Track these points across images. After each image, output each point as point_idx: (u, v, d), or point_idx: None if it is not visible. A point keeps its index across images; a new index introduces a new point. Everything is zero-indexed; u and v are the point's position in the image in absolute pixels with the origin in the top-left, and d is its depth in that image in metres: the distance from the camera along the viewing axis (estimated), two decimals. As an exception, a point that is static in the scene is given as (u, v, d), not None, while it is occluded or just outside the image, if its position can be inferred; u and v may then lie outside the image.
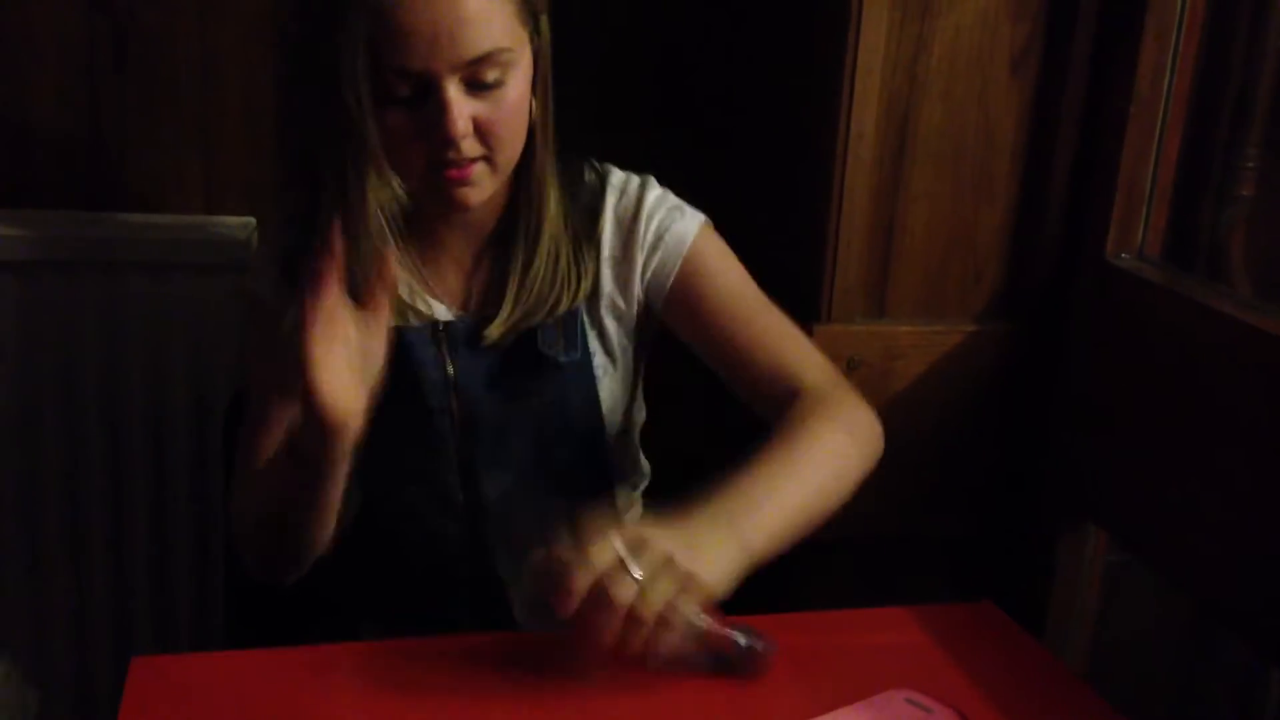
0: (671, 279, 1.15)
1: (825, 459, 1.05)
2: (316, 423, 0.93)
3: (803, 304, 1.47)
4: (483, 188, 1.06)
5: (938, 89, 1.41)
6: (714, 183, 1.29)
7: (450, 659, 0.99)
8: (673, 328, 1.18)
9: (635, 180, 1.18)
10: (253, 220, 1.58)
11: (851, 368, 1.45)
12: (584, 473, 1.19)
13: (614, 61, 1.58)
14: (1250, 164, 1.48)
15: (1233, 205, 1.48)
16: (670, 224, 1.15)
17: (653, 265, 1.15)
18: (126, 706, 0.90)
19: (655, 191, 1.17)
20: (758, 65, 1.66)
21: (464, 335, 1.13)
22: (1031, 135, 1.45)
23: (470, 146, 1.03)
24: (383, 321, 0.96)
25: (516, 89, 1.04)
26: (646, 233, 1.15)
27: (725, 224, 1.23)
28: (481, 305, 1.15)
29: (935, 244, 1.46)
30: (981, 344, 1.49)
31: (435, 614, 1.16)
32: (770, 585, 1.56)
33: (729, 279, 1.16)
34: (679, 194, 1.21)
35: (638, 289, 1.16)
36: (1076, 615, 1.53)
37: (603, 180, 1.18)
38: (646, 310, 1.18)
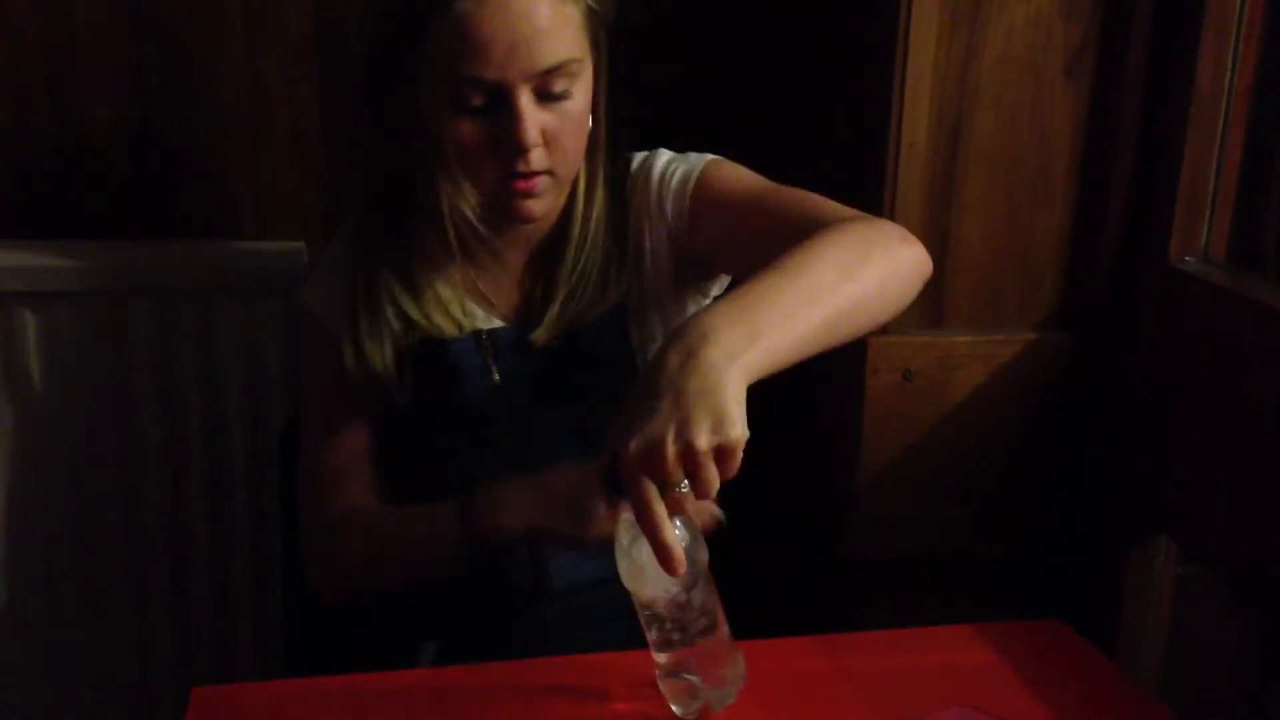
0: (687, 211, 1.15)
1: (828, 262, 0.94)
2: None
3: (857, 316, 1.45)
4: (545, 200, 1.09)
5: (990, 94, 1.39)
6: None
7: (510, 687, 0.98)
8: (706, 254, 1.16)
9: (648, 157, 1.19)
10: (302, 244, 1.58)
11: (907, 379, 1.43)
12: None
13: (661, 72, 1.57)
14: (1318, 161, 1.44)
15: (1300, 204, 1.44)
16: (675, 175, 1.16)
17: (670, 218, 1.16)
18: (187, 738, 0.90)
19: (661, 158, 1.19)
20: (806, 75, 1.64)
21: (508, 342, 1.14)
22: (1088, 139, 1.42)
23: (538, 157, 1.05)
24: None
25: (580, 100, 1.06)
26: (656, 199, 1.16)
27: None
28: (525, 311, 1.16)
29: (991, 252, 1.44)
30: (1041, 353, 1.46)
31: (496, 630, 1.15)
32: (829, 605, 1.54)
33: (745, 178, 1.15)
34: None
35: (666, 260, 1.17)
36: (1148, 631, 1.49)
37: (627, 169, 1.20)
38: (680, 266, 1.17)
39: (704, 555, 0.88)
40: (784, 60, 1.67)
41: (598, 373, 1.15)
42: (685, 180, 1.16)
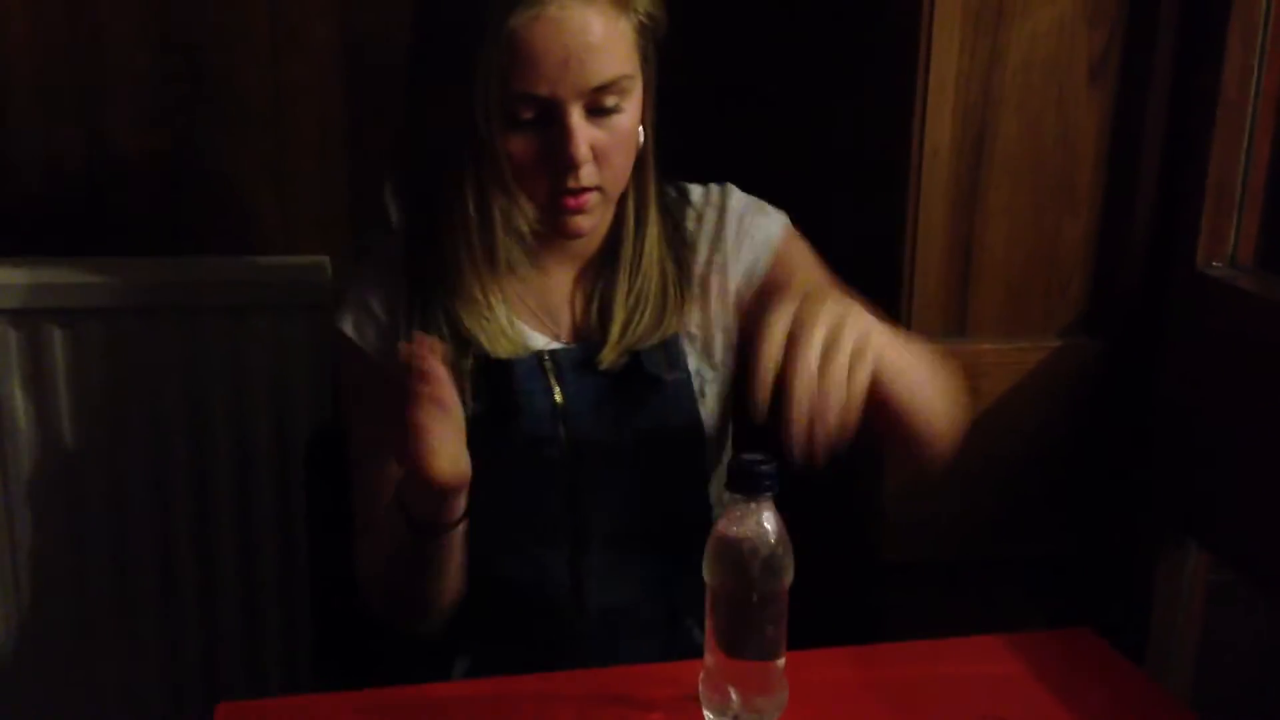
0: (762, 278, 1.17)
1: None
2: (430, 494, 0.98)
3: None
4: (594, 216, 1.09)
5: (1014, 100, 1.38)
6: (788, 202, 1.28)
7: (546, 697, 0.98)
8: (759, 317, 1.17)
9: (715, 190, 1.20)
10: (326, 259, 1.59)
11: (933, 386, 1.42)
12: (685, 493, 1.18)
13: (684, 79, 1.58)
14: (1346, 163, 1.43)
15: (1329, 206, 1.43)
16: (755, 224, 1.18)
17: (744, 265, 1.17)
18: (215, 754, 0.91)
19: (735, 195, 1.20)
20: (829, 82, 1.64)
21: (570, 362, 1.13)
22: (1114, 144, 1.41)
23: (588, 173, 1.05)
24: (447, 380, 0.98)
25: (631, 115, 1.06)
26: (734, 236, 1.17)
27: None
28: (585, 331, 1.15)
29: (1016, 259, 1.43)
30: (1068, 360, 1.45)
31: (530, 645, 1.15)
32: (861, 611, 1.54)
33: (816, 276, 1.18)
34: None
35: (732, 293, 1.18)
36: (1178, 636, 1.48)
37: (685, 198, 1.20)
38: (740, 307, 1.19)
39: (789, 576, 0.91)
40: (805, 66, 1.67)
41: (657, 398, 1.14)
42: (767, 239, 1.17)
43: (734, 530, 0.90)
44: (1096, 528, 1.51)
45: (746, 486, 0.89)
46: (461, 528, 1.05)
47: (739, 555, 0.89)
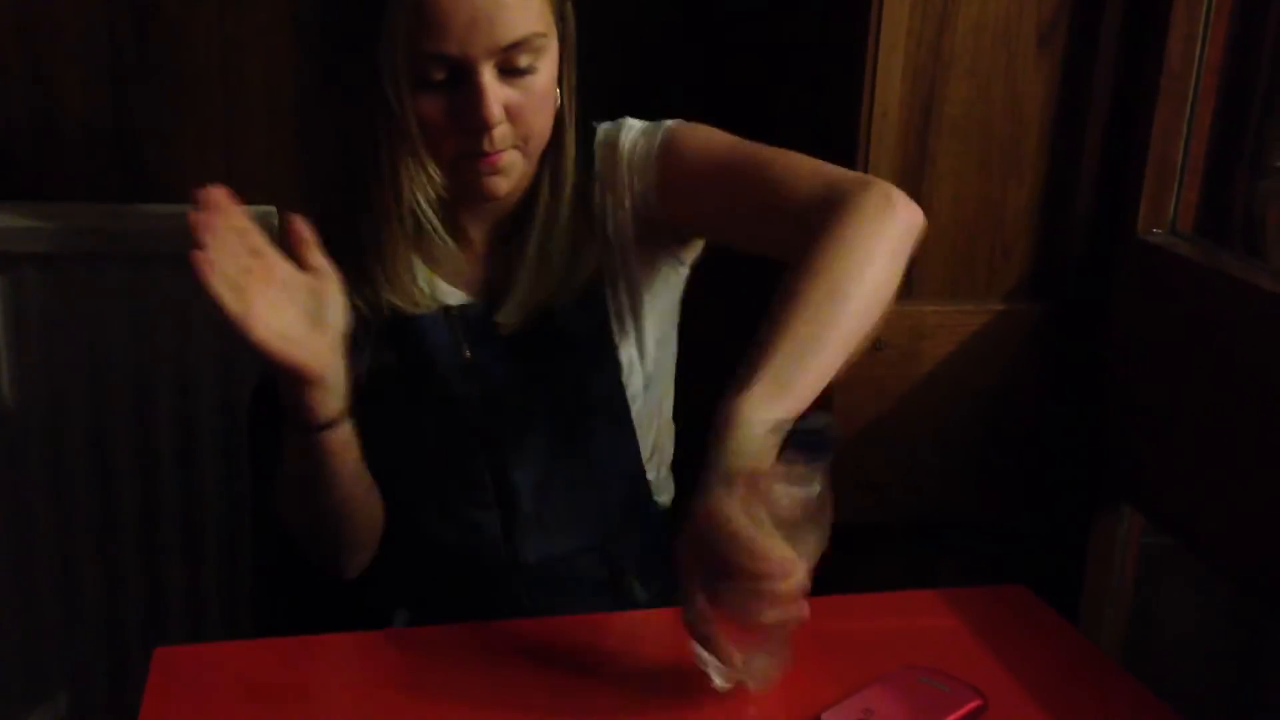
0: (654, 182, 1.13)
1: (862, 275, 0.96)
2: (284, 376, 0.97)
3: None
4: (510, 177, 1.08)
5: (963, 64, 1.39)
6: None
7: (482, 646, 0.99)
8: (680, 223, 1.15)
9: (609, 128, 1.16)
10: (274, 209, 1.58)
11: (877, 348, 1.44)
12: (611, 453, 1.18)
13: (635, 39, 1.57)
14: (1286, 135, 1.45)
15: (1267, 177, 1.45)
16: (639, 144, 1.14)
17: (636, 187, 1.13)
18: (150, 697, 0.91)
19: (629, 131, 1.15)
20: (780, 44, 1.64)
21: (477, 318, 1.13)
22: (1060, 110, 1.42)
23: (502, 135, 1.04)
24: (326, 274, 0.98)
25: (546, 74, 1.05)
26: (627, 167, 1.14)
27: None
28: (499, 289, 1.14)
29: (962, 222, 1.44)
30: (1011, 323, 1.47)
31: (469, 602, 1.15)
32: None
33: (715, 142, 1.12)
34: None
35: (630, 221, 1.14)
36: (1111, 599, 1.51)
37: (591, 141, 1.16)
38: (647, 236, 1.15)
39: (823, 540, 0.91)
40: (756, 28, 1.66)
41: (570, 352, 1.14)
42: (648, 151, 1.13)
43: (791, 490, 0.88)
44: (1038, 491, 1.53)
45: (810, 453, 0.88)
46: (341, 437, 1.01)
47: (790, 513, 0.88)
